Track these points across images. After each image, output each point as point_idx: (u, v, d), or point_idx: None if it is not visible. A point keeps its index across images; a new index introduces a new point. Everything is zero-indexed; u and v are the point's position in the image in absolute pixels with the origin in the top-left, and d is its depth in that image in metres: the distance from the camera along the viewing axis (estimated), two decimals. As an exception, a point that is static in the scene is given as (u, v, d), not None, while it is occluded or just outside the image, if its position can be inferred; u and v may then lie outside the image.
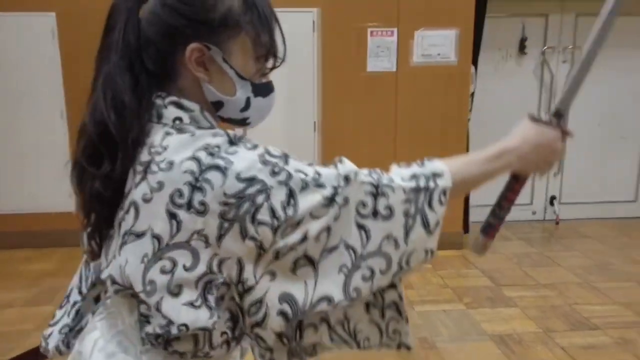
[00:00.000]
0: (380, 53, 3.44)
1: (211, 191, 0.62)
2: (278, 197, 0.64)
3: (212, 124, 0.72)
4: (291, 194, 0.64)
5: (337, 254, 0.67)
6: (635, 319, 2.60)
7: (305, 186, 0.65)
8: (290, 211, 0.64)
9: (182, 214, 0.63)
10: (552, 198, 4.45)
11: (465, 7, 3.46)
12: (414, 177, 0.73)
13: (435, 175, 0.74)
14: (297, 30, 3.50)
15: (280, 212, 0.64)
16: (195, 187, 0.63)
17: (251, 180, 0.63)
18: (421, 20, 3.43)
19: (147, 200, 0.65)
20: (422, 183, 0.73)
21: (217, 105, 0.74)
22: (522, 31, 4.17)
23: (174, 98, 0.70)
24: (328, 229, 0.66)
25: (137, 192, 0.66)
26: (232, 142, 0.67)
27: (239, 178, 0.63)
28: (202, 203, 0.62)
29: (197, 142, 0.65)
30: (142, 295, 0.65)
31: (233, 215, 0.63)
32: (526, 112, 0.84)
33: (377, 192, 0.70)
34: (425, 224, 0.72)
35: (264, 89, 0.76)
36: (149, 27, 0.68)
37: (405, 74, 3.49)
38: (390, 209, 0.70)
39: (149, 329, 0.66)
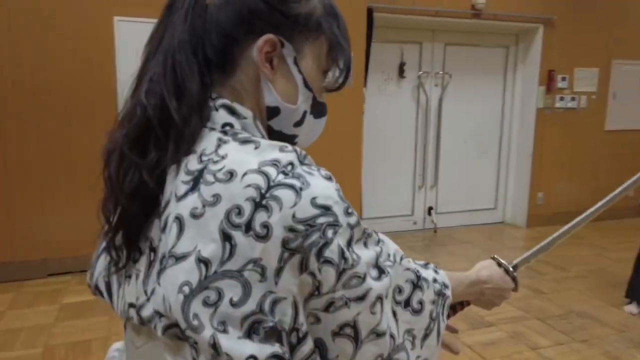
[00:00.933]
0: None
1: (278, 212, 0.51)
2: (345, 238, 0.54)
3: (263, 136, 0.62)
4: (364, 242, 0.58)
5: (381, 342, 0.58)
6: (519, 314, 2.97)
7: (370, 238, 0.59)
8: (355, 257, 0.55)
9: (238, 236, 0.51)
10: (430, 208, 4.89)
11: (357, 33, 3.66)
12: (435, 280, 0.70)
13: (446, 286, 0.72)
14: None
15: (347, 254, 0.53)
16: (259, 205, 0.51)
17: (326, 209, 0.52)
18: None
19: (196, 216, 0.52)
20: (442, 289, 0.71)
21: (273, 112, 0.63)
22: (401, 57, 4.55)
23: (225, 101, 0.59)
24: (381, 300, 0.57)
25: (182, 205, 0.53)
26: (301, 161, 0.56)
27: (313, 203, 0.52)
28: (265, 225, 0.51)
29: (263, 155, 0.55)
30: (189, 332, 0.51)
31: (297, 245, 0.51)
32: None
33: (416, 283, 0.66)
34: (438, 333, 0.69)
35: (320, 109, 0.68)
36: (220, 10, 0.59)
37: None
38: (421, 304, 0.66)
39: None
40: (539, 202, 5.02)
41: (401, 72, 4.56)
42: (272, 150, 0.55)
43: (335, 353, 0.56)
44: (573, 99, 4.96)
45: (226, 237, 0.51)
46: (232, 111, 0.59)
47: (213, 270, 0.51)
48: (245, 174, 0.52)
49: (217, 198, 0.52)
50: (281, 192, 0.51)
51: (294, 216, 0.51)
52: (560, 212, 4.85)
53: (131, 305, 0.58)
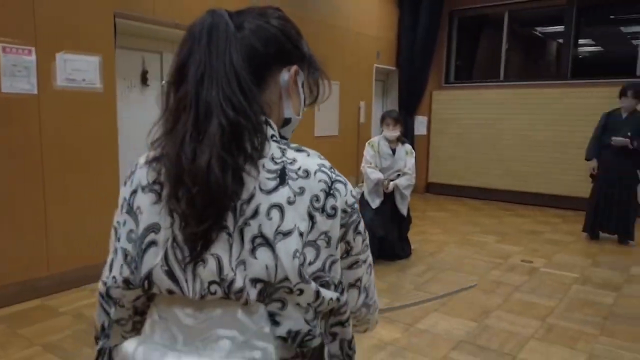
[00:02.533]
0: (17, 73, 3.07)
1: (340, 198, 0.76)
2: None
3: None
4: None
5: (370, 291, 0.89)
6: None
7: None
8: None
9: (317, 216, 0.74)
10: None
11: (105, 34, 3.56)
12: None
13: None
14: None
15: (363, 231, 0.83)
16: (328, 194, 0.75)
17: (354, 199, 0.81)
18: (62, 42, 3.30)
19: (291, 203, 0.73)
20: None
21: (286, 122, 0.86)
22: (143, 64, 4.56)
23: (265, 117, 0.78)
24: (371, 264, 0.88)
25: (276, 196, 0.72)
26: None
27: (351, 193, 0.79)
28: (334, 207, 0.76)
29: (315, 159, 0.78)
30: (301, 285, 0.72)
31: (345, 222, 0.77)
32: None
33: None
34: None
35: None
36: (252, 37, 0.78)
37: (48, 97, 3.25)
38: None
39: (280, 330, 0.74)
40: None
41: (144, 80, 4.57)
42: (317, 157, 0.79)
43: (347, 299, 0.82)
44: (292, 109, 5.93)
45: (310, 217, 0.73)
46: (270, 125, 0.79)
47: (305, 240, 0.73)
48: (315, 172, 0.75)
49: (302, 190, 0.74)
50: (338, 186, 0.77)
51: (346, 202, 0.77)
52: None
53: (213, 282, 0.72)
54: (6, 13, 3.05)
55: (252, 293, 0.72)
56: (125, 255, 0.78)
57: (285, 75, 0.83)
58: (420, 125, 7.91)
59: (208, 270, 0.72)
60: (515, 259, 4.45)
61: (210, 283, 0.73)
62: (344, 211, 0.77)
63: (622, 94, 4.81)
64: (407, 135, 7.71)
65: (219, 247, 0.72)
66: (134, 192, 0.80)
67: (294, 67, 0.84)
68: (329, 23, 6.34)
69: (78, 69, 3.38)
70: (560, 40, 7.64)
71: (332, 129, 6.62)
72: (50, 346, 2.68)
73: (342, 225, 0.77)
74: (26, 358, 2.56)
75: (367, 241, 0.86)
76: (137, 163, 0.85)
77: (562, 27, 7.17)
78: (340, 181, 0.78)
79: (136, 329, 0.85)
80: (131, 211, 0.80)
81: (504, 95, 7.28)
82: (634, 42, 6.60)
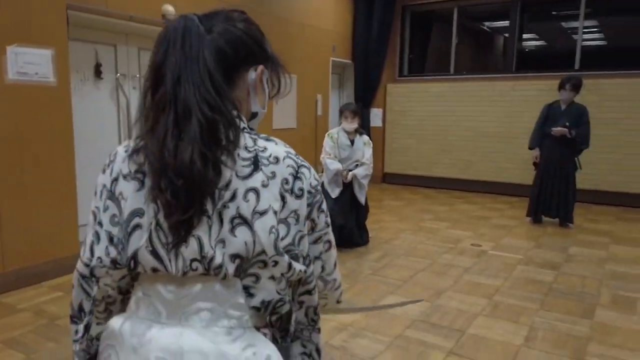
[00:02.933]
0: (-34, 65, 2.99)
1: (306, 180, 0.88)
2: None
3: None
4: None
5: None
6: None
7: None
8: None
9: (287, 196, 0.85)
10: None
11: (57, 26, 3.49)
12: None
13: None
14: None
15: (326, 210, 0.95)
16: (296, 177, 0.87)
17: (317, 181, 0.92)
18: (13, 35, 3.22)
19: (265, 186, 0.83)
20: None
21: (253, 115, 0.96)
22: (96, 57, 4.48)
23: (237, 112, 0.87)
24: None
25: (252, 181, 0.83)
26: None
27: (314, 177, 0.91)
28: (301, 189, 0.87)
29: (282, 147, 0.89)
30: (276, 257, 0.83)
31: (311, 202, 0.89)
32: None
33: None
34: None
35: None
36: (226, 43, 0.86)
37: (0, 91, 3.18)
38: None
39: (255, 301, 0.85)
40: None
41: (98, 73, 4.50)
42: (283, 145, 0.90)
43: (313, 270, 0.93)
44: (250, 102, 5.97)
45: (282, 197, 0.85)
46: (241, 119, 0.89)
47: (278, 218, 0.84)
48: (284, 158, 0.87)
49: (273, 174, 0.85)
50: (304, 170, 0.89)
51: (311, 184, 0.89)
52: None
53: (194, 260, 0.82)
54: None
55: (230, 268, 0.82)
56: (111, 238, 0.86)
57: (252, 75, 0.92)
58: (375, 117, 8.12)
59: (190, 250, 0.82)
60: (465, 243, 4.71)
61: (192, 261, 0.82)
62: (309, 192, 0.89)
63: (561, 86, 5.15)
64: (364, 127, 7.90)
65: (200, 229, 0.81)
66: (115, 179, 0.88)
67: (260, 67, 0.93)
68: (284, 17, 6.40)
69: (30, 63, 3.31)
70: (506, 35, 8.02)
71: (290, 121, 6.71)
72: (12, 342, 2.66)
73: (308, 205, 0.89)
74: (-14, 355, 2.53)
75: (329, 220, 0.97)
76: (116, 152, 0.92)
77: (508, 22, 7.53)
78: (305, 166, 0.90)
79: (122, 309, 0.94)
80: (113, 197, 0.87)
81: (454, 88, 7.58)
82: (574, 36, 7.01)
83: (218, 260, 0.81)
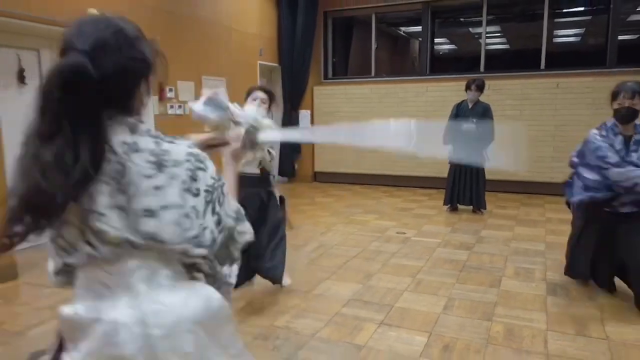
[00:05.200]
0: None
1: (202, 181, 1.04)
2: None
3: None
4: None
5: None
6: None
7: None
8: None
9: (187, 195, 1.02)
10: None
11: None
12: None
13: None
14: None
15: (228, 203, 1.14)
16: (192, 179, 1.03)
17: (215, 179, 1.08)
18: None
19: (168, 186, 1.00)
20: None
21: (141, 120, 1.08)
22: (19, 63, 4.38)
23: (138, 117, 1.03)
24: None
25: (157, 181, 0.99)
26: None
27: (211, 177, 1.07)
28: (197, 189, 1.03)
29: (184, 149, 1.04)
30: (180, 246, 1.03)
31: (210, 199, 1.05)
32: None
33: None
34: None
35: None
36: (116, 75, 0.97)
37: None
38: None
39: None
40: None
41: (21, 78, 4.40)
42: (185, 146, 1.06)
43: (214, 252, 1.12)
44: (180, 106, 6.03)
45: (182, 196, 1.02)
46: (141, 122, 1.04)
47: (181, 213, 1.01)
48: (183, 162, 1.03)
49: (174, 176, 1.01)
50: (200, 173, 1.05)
51: (207, 184, 1.05)
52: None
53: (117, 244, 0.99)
54: None
55: (142, 246, 1.01)
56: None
57: (143, 89, 1.07)
58: (304, 118, 8.43)
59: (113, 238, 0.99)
60: (391, 232, 5.13)
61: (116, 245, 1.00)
62: (207, 191, 1.06)
63: (467, 87, 5.74)
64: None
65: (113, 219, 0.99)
66: None
67: (150, 81, 1.08)
68: (211, 21, 6.52)
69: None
70: (420, 39, 8.66)
71: (221, 124, 6.82)
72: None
73: (207, 202, 1.06)
74: None
75: (234, 206, 1.17)
76: None
77: (421, 27, 8.15)
78: (201, 168, 1.06)
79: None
80: None
81: (375, 90, 8.07)
82: (480, 41, 7.75)
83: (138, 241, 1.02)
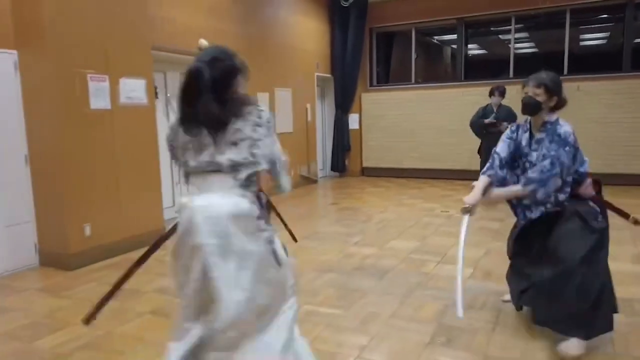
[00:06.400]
0: (99, 94, 4.31)
1: (262, 119, 1.74)
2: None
3: None
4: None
5: None
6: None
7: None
8: None
9: (258, 128, 1.72)
10: (184, 198, 6.31)
11: (147, 62, 4.84)
12: None
13: None
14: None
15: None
16: (257, 125, 1.73)
17: (269, 114, 1.78)
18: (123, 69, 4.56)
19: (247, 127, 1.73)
20: None
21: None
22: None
23: (254, 99, 1.84)
24: None
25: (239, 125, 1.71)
26: None
27: (267, 118, 1.74)
28: (259, 124, 1.72)
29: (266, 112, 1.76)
30: (255, 160, 1.72)
31: (266, 132, 1.74)
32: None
33: None
34: None
35: None
36: (221, 74, 1.72)
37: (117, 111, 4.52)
38: None
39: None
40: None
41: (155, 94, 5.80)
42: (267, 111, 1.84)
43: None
44: (259, 112, 7.37)
45: (254, 130, 1.74)
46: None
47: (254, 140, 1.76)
48: (261, 114, 1.78)
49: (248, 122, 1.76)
50: (263, 114, 1.79)
51: (265, 119, 1.78)
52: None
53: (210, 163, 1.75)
54: (87, 50, 4.26)
55: (229, 168, 1.72)
56: None
57: (240, 87, 1.81)
58: (353, 121, 9.71)
59: (204, 156, 1.75)
60: (437, 211, 6.34)
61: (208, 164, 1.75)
62: (264, 126, 1.74)
63: (491, 93, 6.83)
64: (343, 130, 9.49)
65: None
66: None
67: (245, 79, 1.83)
68: (279, 43, 7.89)
69: (133, 89, 4.64)
70: (454, 46, 9.80)
71: (288, 126, 8.17)
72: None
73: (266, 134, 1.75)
74: None
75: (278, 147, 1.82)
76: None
77: (455, 35, 9.30)
78: (263, 117, 1.74)
79: None
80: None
81: (416, 95, 9.28)
82: (510, 46, 8.83)
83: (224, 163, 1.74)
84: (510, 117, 6.79)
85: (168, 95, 6.03)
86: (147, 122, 4.90)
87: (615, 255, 4.14)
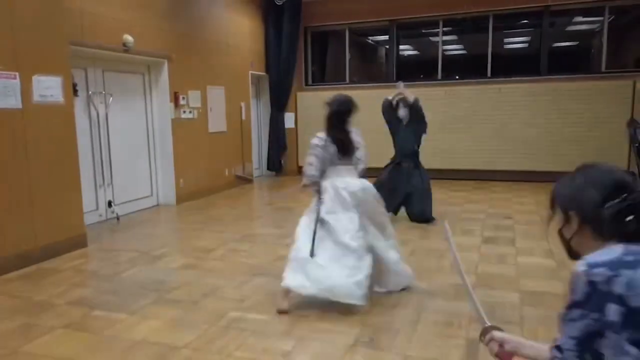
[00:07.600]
0: (8, 92, 3.99)
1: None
2: None
3: None
4: None
5: None
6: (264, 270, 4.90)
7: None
8: None
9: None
10: (109, 202, 6.03)
11: (63, 58, 4.55)
12: None
13: None
14: None
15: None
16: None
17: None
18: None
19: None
20: None
21: None
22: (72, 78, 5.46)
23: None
24: None
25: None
26: None
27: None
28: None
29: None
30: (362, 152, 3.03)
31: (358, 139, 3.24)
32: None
33: None
34: None
35: None
36: (338, 114, 3.43)
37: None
38: None
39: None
40: (180, 185, 7.01)
41: (74, 91, 5.47)
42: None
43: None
44: (190, 112, 7.18)
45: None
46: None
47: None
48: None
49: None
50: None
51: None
52: (194, 191, 7.06)
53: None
54: (-3, 47, 3.93)
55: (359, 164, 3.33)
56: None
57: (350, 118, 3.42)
58: (289, 120, 9.67)
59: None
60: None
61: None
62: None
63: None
64: (279, 129, 9.44)
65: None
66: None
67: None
68: (213, 40, 7.70)
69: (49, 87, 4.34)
70: (387, 47, 10.01)
71: (222, 126, 8.00)
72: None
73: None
74: None
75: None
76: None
77: (387, 36, 9.49)
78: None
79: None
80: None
81: (350, 95, 9.35)
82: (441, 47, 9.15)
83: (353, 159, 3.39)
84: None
85: (90, 92, 5.71)
86: (64, 121, 4.61)
87: (530, 250, 4.45)
